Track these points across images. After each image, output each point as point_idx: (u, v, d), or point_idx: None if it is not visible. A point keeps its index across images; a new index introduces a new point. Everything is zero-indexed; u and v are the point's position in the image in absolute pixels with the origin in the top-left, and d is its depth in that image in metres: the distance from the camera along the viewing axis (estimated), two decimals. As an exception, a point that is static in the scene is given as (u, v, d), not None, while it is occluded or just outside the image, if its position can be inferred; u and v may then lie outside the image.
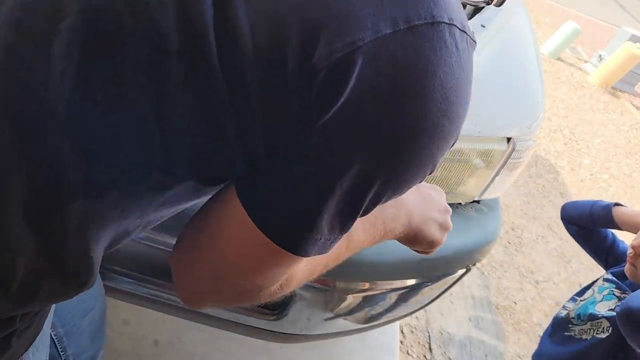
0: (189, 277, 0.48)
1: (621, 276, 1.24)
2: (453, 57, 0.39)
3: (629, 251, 1.19)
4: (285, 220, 0.41)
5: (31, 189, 0.39)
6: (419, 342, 1.97)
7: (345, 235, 0.53)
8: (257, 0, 0.37)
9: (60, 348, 0.74)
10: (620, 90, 6.60)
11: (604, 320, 1.15)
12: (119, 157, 0.40)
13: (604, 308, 1.18)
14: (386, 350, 1.76)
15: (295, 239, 0.42)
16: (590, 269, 2.93)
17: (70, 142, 0.39)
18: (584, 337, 1.20)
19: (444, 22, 0.38)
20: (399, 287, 1.11)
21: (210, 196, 0.50)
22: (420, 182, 0.46)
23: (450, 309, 2.19)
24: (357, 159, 0.39)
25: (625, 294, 1.17)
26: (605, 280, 1.25)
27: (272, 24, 0.36)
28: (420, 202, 0.65)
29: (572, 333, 1.24)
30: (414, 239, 0.64)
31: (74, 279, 0.46)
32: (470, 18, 1.14)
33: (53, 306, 0.58)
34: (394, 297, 1.15)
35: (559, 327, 1.30)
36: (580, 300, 1.27)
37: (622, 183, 4.26)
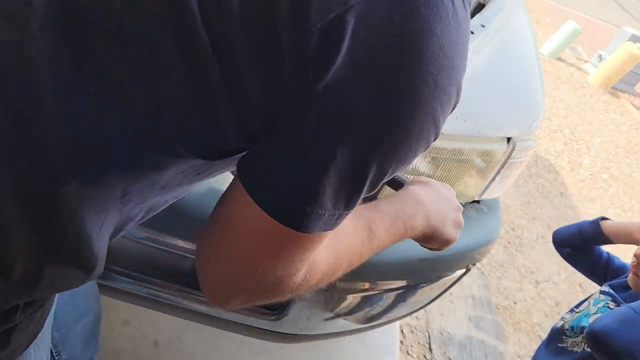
0: (210, 275, 0.47)
1: (619, 288, 1.24)
2: (449, 13, 0.38)
3: (632, 260, 1.20)
4: (285, 195, 0.41)
5: (20, 176, 0.39)
6: (419, 342, 1.96)
7: (367, 234, 0.53)
8: None
9: (55, 352, 0.74)
10: (620, 90, 6.60)
11: None
12: (107, 137, 0.40)
13: None
14: (386, 350, 1.76)
15: (297, 214, 0.41)
16: (590, 269, 2.93)
17: (55, 125, 0.39)
18: (575, 349, 1.21)
19: None
20: (399, 287, 1.11)
21: (211, 176, 0.50)
22: (425, 149, 0.44)
23: (450, 309, 2.19)
24: (357, 123, 0.38)
25: (620, 306, 1.17)
26: (602, 292, 1.26)
27: None
28: (436, 201, 0.65)
29: (565, 345, 1.25)
30: (430, 237, 0.65)
31: (78, 266, 0.46)
32: (470, 18, 1.14)
33: (54, 307, 0.57)
34: (394, 297, 1.15)
35: (554, 337, 1.31)
36: (576, 312, 1.27)
37: (622, 183, 4.26)
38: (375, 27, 0.36)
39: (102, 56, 0.38)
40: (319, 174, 0.39)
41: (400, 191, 0.66)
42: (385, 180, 0.44)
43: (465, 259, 1.16)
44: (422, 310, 1.72)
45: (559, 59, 6.65)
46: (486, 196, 1.18)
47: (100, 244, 0.47)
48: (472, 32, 1.06)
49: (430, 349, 1.96)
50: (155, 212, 0.56)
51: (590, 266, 1.37)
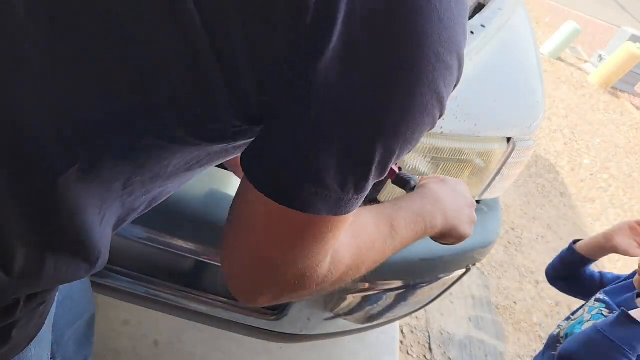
0: (234, 274, 0.47)
1: (614, 294, 1.25)
2: None
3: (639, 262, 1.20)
4: (287, 178, 0.40)
5: (11, 168, 0.39)
6: (419, 342, 1.96)
7: (389, 231, 0.53)
8: None
9: (50, 354, 0.74)
10: (620, 90, 6.60)
11: None
12: (98, 122, 0.40)
13: None
14: (386, 350, 1.76)
15: (302, 196, 0.40)
16: (590, 269, 2.93)
17: (42, 111, 0.39)
18: None
19: None
20: (399, 287, 1.11)
21: (213, 164, 0.50)
22: (432, 126, 0.44)
23: (450, 309, 2.19)
24: (357, 102, 0.38)
25: (613, 313, 1.17)
26: (596, 300, 1.26)
27: None
28: (453, 198, 0.66)
29: (557, 353, 1.25)
30: (447, 234, 0.66)
31: (81, 258, 0.46)
32: (470, 18, 1.14)
33: (54, 307, 0.57)
34: (394, 297, 1.15)
35: (550, 345, 1.31)
36: (572, 320, 1.27)
37: (622, 183, 4.26)
38: (371, 2, 0.36)
39: (92, 40, 0.39)
40: (321, 155, 0.39)
41: (418, 189, 0.67)
42: (394, 160, 0.43)
43: (465, 259, 1.16)
44: (422, 310, 1.72)
45: (559, 59, 6.65)
46: (486, 196, 1.18)
47: (103, 235, 0.47)
48: (472, 32, 1.06)
49: (430, 349, 1.96)
50: (158, 202, 0.56)
51: (586, 290, 1.38)
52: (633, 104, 6.38)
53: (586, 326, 1.19)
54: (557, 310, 2.49)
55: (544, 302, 2.52)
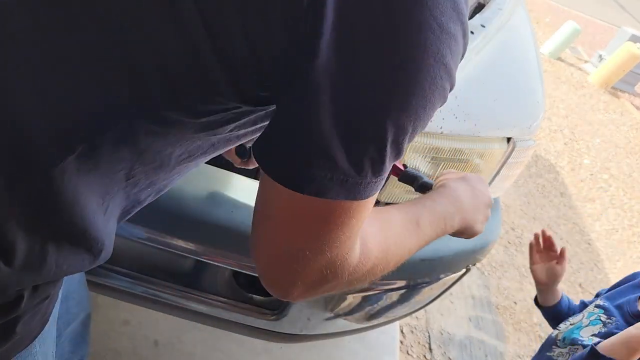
0: (265, 271, 0.47)
1: (616, 297, 1.25)
2: None
3: None
4: (299, 164, 0.40)
5: (5, 160, 0.39)
6: (419, 342, 1.96)
7: (415, 229, 0.54)
8: None
9: (54, 352, 0.74)
10: (621, 90, 6.60)
11: (580, 348, 1.16)
12: (89, 106, 0.40)
13: (588, 333, 1.18)
14: (386, 350, 1.76)
15: (314, 180, 0.39)
16: (591, 269, 2.93)
17: (31, 98, 0.39)
18: (559, 359, 1.22)
19: None
20: (399, 287, 1.11)
21: (217, 153, 0.50)
22: (443, 101, 0.43)
23: (450, 309, 2.19)
24: (361, 78, 0.37)
25: (611, 319, 1.17)
26: (597, 306, 1.26)
27: None
28: (473, 199, 0.67)
29: (552, 354, 1.25)
30: (463, 232, 0.67)
31: (84, 249, 0.46)
32: (470, 18, 1.14)
33: (58, 303, 0.57)
34: (394, 297, 1.15)
35: (546, 347, 1.31)
36: (570, 324, 1.27)
37: (622, 183, 4.26)
38: None
39: (92, 40, 0.39)
40: (329, 137, 0.38)
41: (440, 188, 0.67)
42: (408, 139, 0.42)
43: (465, 259, 1.16)
44: (422, 310, 1.72)
45: (559, 59, 6.65)
46: (486, 196, 1.18)
47: (107, 227, 0.47)
48: (472, 32, 1.06)
49: (430, 349, 1.96)
50: (164, 192, 0.56)
51: (565, 314, 1.40)
52: (633, 104, 6.38)
53: (584, 331, 1.19)
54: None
55: (544, 302, 2.52)
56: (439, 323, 2.09)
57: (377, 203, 1.03)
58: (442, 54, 0.39)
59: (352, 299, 1.11)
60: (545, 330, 2.31)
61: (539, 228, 2.93)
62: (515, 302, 2.43)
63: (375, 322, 1.28)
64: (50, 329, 0.57)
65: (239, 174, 0.95)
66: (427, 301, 1.33)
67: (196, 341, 1.49)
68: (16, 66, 0.39)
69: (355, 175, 0.40)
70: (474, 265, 1.24)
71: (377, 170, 0.41)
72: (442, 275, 1.16)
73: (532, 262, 1.43)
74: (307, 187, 0.40)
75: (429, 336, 2.01)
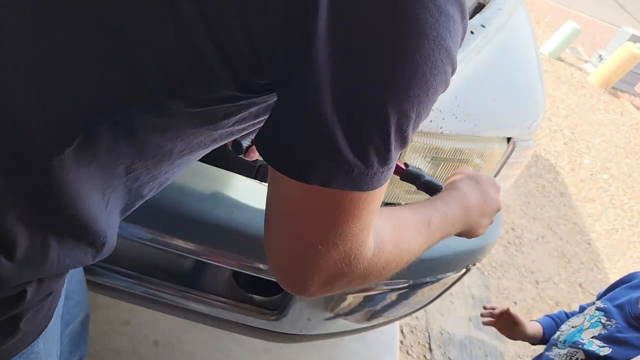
0: (280, 269, 0.47)
1: (616, 297, 1.25)
2: None
3: None
4: (299, 152, 0.39)
5: (6, 152, 0.40)
6: (419, 342, 1.96)
7: (426, 229, 0.54)
8: None
9: (59, 351, 0.74)
10: (621, 90, 6.60)
11: (580, 352, 1.16)
12: (84, 97, 0.40)
13: (588, 335, 1.19)
14: (386, 350, 1.76)
15: (318, 169, 0.39)
16: (591, 269, 2.93)
17: (24, 89, 0.39)
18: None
19: None
20: (399, 287, 1.11)
21: (218, 145, 0.50)
22: (445, 86, 0.42)
23: (450, 309, 2.19)
24: (360, 63, 0.37)
25: (611, 321, 1.17)
26: (597, 309, 1.26)
27: None
28: (482, 204, 0.67)
29: (550, 353, 1.25)
30: (465, 234, 0.68)
31: (86, 243, 0.46)
32: (470, 18, 1.14)
33: (61, 302, 0.57)
34: (394, 297, 1.15)
35: (546, 347, 1.32)
36: (572, 327, 1.27)
37: (622, 183, 4.26)
38: None
39: (92, 39, 0.39)
40: (331, 126, 0.38)
41: (452, 191, 0.67)
42: (413, 127, 0.41)
43: (466, 259, 1.16)
44: (422, 310, 1.72)
45: (559, 59, 6.65)
46: (486, 196, 1.18)
47: (109, 221, 0.47)
48: (472, 32, 1.06)
49: (430, 349, 1.96)
50: (165, 185, 0.56)
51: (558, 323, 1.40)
52: (633, 104, 6.38)
53: (585, 333, 1.19)
54: (558, 310, 2.49)
55: (544, 302, 2.52)
56: (439, 323, 2.09)
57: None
58: (441, 36, 0.38)
59: (352, 299, 1.11)
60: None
61: (539, 228, 2.93)
62: (515, 302, 2.43)
63: (375, 322, 1.28)
64: (54, 327, 0.57)
65: (239, 174, 0.95)
66: (427, 301, 1.33)
67: (196, 341, 1.49)
68: (16, 66, 0.39)
69: (362, 166, 0.39)
70: (474, 265, 1.24)
71: (383, 159, 0.41)
72: (442, 275, 1.16)
73: (484, 323, 1.45)
74: (313, 177, 0.39)
75: (429, 336, 2.01)
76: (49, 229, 0.43)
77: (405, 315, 1.38)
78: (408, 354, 1.89)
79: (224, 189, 0.91)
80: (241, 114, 0.48)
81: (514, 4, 1.28)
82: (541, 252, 2.86)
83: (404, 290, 1.14)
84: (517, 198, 3.30)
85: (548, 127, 4.60)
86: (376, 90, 0.38)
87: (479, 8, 1.25)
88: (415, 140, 0.94)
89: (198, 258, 0.94)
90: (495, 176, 1.12)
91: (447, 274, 1.17)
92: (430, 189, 0.75)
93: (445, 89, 0.43)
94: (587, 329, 1.21)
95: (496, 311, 1.42)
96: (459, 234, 0.68)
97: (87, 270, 0.82)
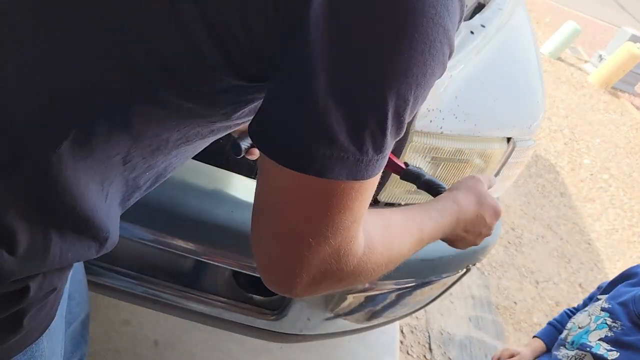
0: (264, 260, 0.45)
1: (619, 295, 1.25)
2: None
3: None
4: (295, 140, 0.38)
5: (4, 148, 0.40)
6: (419, 342, 1.96)
7: (418, 234, 0.54)
8: None
9: (63, 350, 0.74)
10: (621, 90, 6.60)
11: (588, 355, 1.16)
12: (80, 90, 0.40)
13: (595, 338, 1.19)
14: (386, 350, 1.76)
15: (314, 158, 0.38)
16: (591, 269, 2.93)
17: (19, 83, 0.39)
18: None
19: None
20: (399, 287, 1.11)
21: (215, 138, 0.50)
22: (442, 69, 0.41)
23: (450, 309, 2.19)
24: (359, 44, 0.36)
25: (616, 323, 1.17)
26: (602, 309, 1.26)
27: None
28: (475, 220, 0.67)
29: (558, 354, 1.25)
30: (445, 241, 0.68)
31: (88, 236, 0.46)
32: (470, 18, 1.14)
33: (65, 300, 0.57)
34: (394, 297, 1.15)
35: (556, 346, 1.32)
36: (579, 328, 1.27)
37: (622, 183, 4.26)
38: None
39: (93, 39, 0.39)
40: (328, 110, 0.37)
41: (452, 204, 0.66)
42: (410, 111, 0.40)
43: (466, 259, 1.16)
44: (422, 310, 1.72)
45: (559, 59, 6.65)
46: (486, 196, 1.18)
47: (110, 214, 0.47)
48: (472, 32, 1.06)
49: (430, 349, 1.96)
50: (165, 179, 0.55)
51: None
52: (633, 104, 6.38)
53: (592, 335, 1.19)
54: (558, 310, 2.49)
55: (544, 302, 2.52)
56: (439, 323, 2.09)
57: (377, 204, 1.03)
58: (440, 15, 0.37)
59: (352, 299, 1.11)
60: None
61: (539, 228, 2.94)
62: (515, 302, 2.43)
63: (375, 322, 1.28)
64: (58, 326, 0.57)
65: (239, 174, 0.95)
66: (427, 301, 1.33)
67: (196, 341, 1.49)
68: (16, 66, 0.39)
69: (356, 152, 0.38)
70: (474, 265, 1.24)
71: (379, 145, 0.40)
72: (442, 275, 1.16)
73: None
74: (308, 167, 0.38)
75: (429, 336, 2.01)
76: (50, 225, 0.43)
77: (406, 315, 1.38)
78: (408, 354, 1.89)
79: (224, 189, 0.91)
80: (241, 110, 0.48)
81: (514, 4, 1.28)
82: (541, 252, 2.86)
83: (404, 290, 1.14)
84: (517, 198, 3.30)
85: (548, 127, 4.60)
86: (374, 72, 0.37)
87: (479, 8, 1.25)
88: (415, 140, 0.94)
89: (198, 258, 0.94)
90: (495, 176, 1.12)
91: (447, 274, 1.17)
92: (431, 188, 0.75)
93: (442, 73, 0.41)
94: (594, 330, 1.21)
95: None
96: (443, 240, 0.68)
97: (88, 270, 0.82)
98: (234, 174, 0.94)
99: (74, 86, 0.40)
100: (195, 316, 1.11)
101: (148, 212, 0.85)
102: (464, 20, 1.12)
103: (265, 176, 0.42)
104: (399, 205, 1.05)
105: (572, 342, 1.24)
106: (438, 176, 1.05)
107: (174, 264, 1.05)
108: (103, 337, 1.39)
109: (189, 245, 0.91)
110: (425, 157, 0.99)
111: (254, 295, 1.09)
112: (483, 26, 1.09)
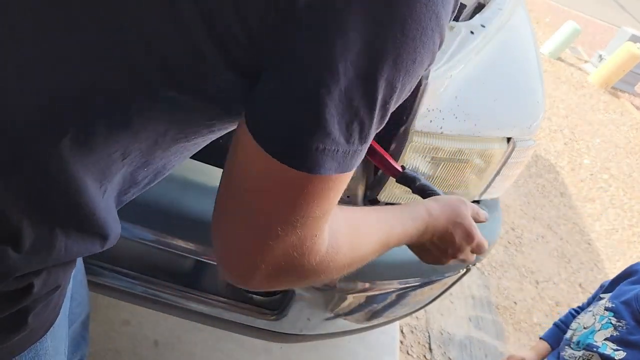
0: (224, 246, 0.45)
1: (622, 293, 1.25)
2: None
3: None
4: (287, 131, 0.38)
5: (4, 146, 0.40)
6: (419, 342, 1.96)
7: (385, 239, 0.54)
8: None
9: (66, 350, 0.74)
10: (621, 90, 6.60)
11: (595, 355, 1.16)
12: (81, 89, 0.40)
13: (601, 337, 1.19)
14: (386, 350, 1.76)
15: (309, 154, 0.38)
16: (591, 269, 2.93)
17: (19, 81, 0.39)
18: None
19: None
20: (399, 287, 1.11)
21: (215, 136, 0.50)
22: (432, 59, 0.40)
23: (450, 309, 2.19)
24: (353, 32, 0.35)
25: (621, 322, 1.17)
26: (606, 309, 1.26)
27: None
28: (441, 235, 0.65)
29: (565, 354, 1.26)
30: (416, 254, 0.69)
31: (91, 232, 0.47)
32: (470, 18, 1.14)
33: (68, 300, 0.57)
34: (394, 297, 1.15)
35: (562, 347, 1.32)
36: (584, 328, 1.27)
37: (622, 183, 4.26)
38: None
39: (93, 39, 0.39)
40: (323, 99, 0.36)
41: (422, 205, 0.65)
42: (395, 100, 0.40)
43: (465, 259, 1.16)
44: (422, 310, 1.72)
45: (559, 59, 6.65)
46: (486, 196, 1.18)
47: (108, 209, 0.47)
48: (472, 32, 1.06)
49: (430, 349, 1.96)
50: (163, 176, 0.55)
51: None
52: (633, 104, 6.38)
53: (597, 335, 1.19)
54: (558, 310, 2.49)
55: (544, 302, 2.52)
56: (439, 323, 2.09)
57: (377, 203, 1.03)
58: (434, 2, 0.37)
59: (352, 299, 1.11)
60: (545, 330, 2.31)
61: (539, 228, 2.94)
62: (515, 302, 2.43)
63: (375, 322, 1.28)
64: (62, 324, 0.58)
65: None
66: (427, 301, 1.33)
67: (196, 341, 1.49)
68: (16, 66, 0.39)
69: (344, 144, 0.38)
70: (474, 265, 1.24)
71: (364, 135, 0.40)
72: (442, 275, 1.16)
73: None
74: (303, 163, 0.38)
75: (429, 336, 2.01)
76: (52, 223, 0.44)
77: (405, 315, 1.38)
78: (408, 354, 1.89)
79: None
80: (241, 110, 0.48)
81: (514, 4, 1.28)
82: (541, 252, 2.86)
83: (404, 291, 1.14)
84: (517, 198, 3.30)
85: (548, 127, 4.60)
86: (369, 61, 0.37)
87: (479, 8, 1.25)
88: (415, 140, 0.94)
89: (198, 258, 0.94)
90: (495, 176, 1.12)
91: (447, 274, 1.17)
92: (424, 193, 0.74)
93: (430, 63, 0.41)
94: (599, 330, 1.21)
95: None
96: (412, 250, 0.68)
97: (88, 270, 0.82)
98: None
99: (74, 86, 0.40)
100: (195, 316, 1.11)
101: (148, 212, 0.85)
102: (464, 20, 1.12)
103: (244, 161, 0.41)
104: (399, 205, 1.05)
105: (578, 343, 1.24)
106: (438, 176, 1.05)
107: (174, 264, 1.05)
108: (103, 337, 1.39)
109: (189, 245, 0.91)
110: (425, 157, 0.99)
111: (254, 295, 1.09)
112: (483, 26, 1.09)
